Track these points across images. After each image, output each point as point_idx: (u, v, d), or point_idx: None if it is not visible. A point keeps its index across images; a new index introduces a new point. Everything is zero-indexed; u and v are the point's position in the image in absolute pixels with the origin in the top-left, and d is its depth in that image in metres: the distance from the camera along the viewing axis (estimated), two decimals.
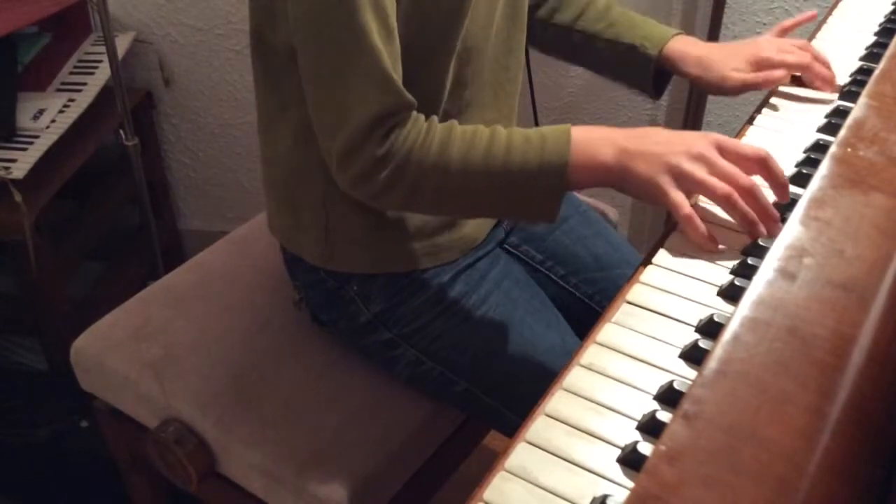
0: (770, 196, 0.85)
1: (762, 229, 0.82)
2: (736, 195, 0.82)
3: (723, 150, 0.84)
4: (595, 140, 0.86)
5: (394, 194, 0.88)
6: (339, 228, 1.01)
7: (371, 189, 0.88)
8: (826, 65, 1.08)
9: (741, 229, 0.84)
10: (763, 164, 0.84)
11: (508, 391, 1.02)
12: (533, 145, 0.86)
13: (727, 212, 0.83)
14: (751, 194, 0.82)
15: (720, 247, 0.83)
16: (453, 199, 0.90)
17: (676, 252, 0.83)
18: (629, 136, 0.86)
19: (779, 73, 1.05)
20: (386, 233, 1.01)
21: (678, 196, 0.83)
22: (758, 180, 0.84)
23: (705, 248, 0.83)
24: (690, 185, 0.83)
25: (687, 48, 1.08)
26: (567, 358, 0.74)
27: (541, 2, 1.16)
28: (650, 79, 1.10)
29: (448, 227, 1.05)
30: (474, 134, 0.88)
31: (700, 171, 0.83)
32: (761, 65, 1.06)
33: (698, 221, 0.82)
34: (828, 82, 1.08)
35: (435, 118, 0.90)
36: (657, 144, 0.85)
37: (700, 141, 0.85)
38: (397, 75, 0.86)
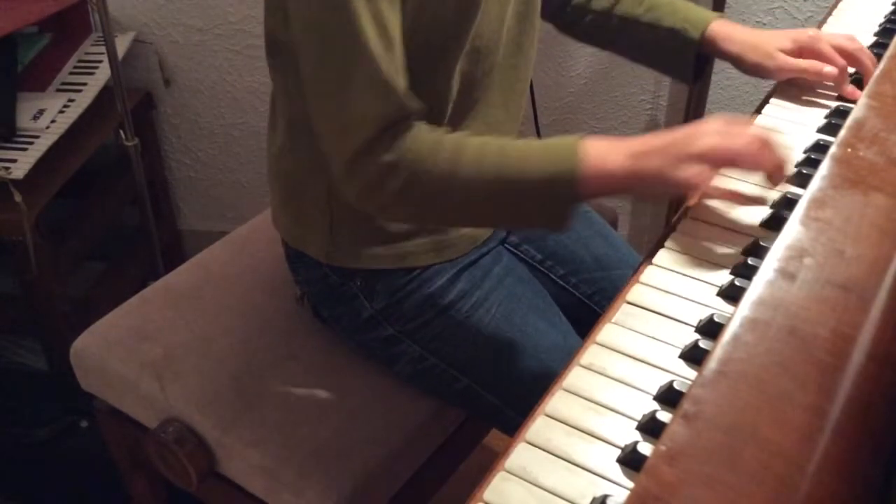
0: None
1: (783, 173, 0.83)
2: (753, 145, 0.82)
3: (730, 126, 0.84)
4: (605, 148, 0.86)
5: (403, 205, 0.88)
6: (344, 224, 1.02)
7: (380, 200, 0.87)
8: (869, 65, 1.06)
9: (765, 179, 0.84)
10: (764, 144, 0.84)
11: (510, 388, 1.02)
12: (544, 155, 0.86)
13: (746, 166, 0.84)
14: (765, 144, 0.82)
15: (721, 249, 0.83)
16: (464, 210, 0.89)
17: (676, 252, 0.83)
18: (642, 142, 0.86)
19: (830, 69, 1.04)
20: (390, 228, 1.02)
21: (688, 170, 0.82)
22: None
23: (736, 202, 0.85)
24: (709, 159, 0.82)
25: (732, 29, 1.08)
26: (569, 356, 0.74)
27: None
28: (692, 62, 1.09)
29: None
30: (485, 144, 0.88)
31: (712, 139, 0.82)
32: (805, 46, 1.05)
33: (714, 186, 0.83)
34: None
35: (445, 129, 0.90)
36: (667, 140, 0.85)
37: (707, 123, 0.85)
38: (400, 83, 0.85)
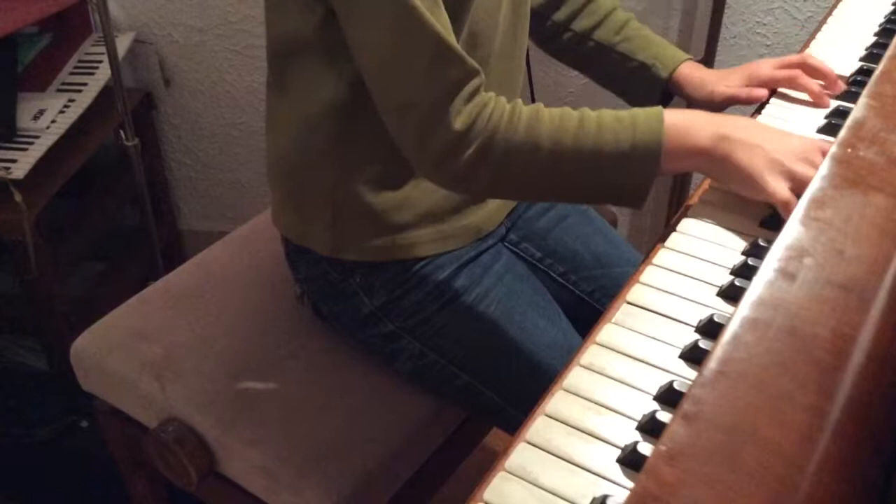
0: None
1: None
2: None
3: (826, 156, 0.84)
4: (692, 123, 0.85)
5: (478, 176, 0.87)
6: (346, 217, 1.02)
7: (455, 170, 0.86)
8: (824, 75, 1.06)
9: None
10: None
11: (510, 385, 1.02)
12: (625, 125, 0.85)
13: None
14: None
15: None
16: (541, 181, 0.88)
17: (676, 252, 0.83)
18: (732, 125, 0.86)
19: (761, 91, 1.06)
20: (393, 219, 1.02)
21: (780, 185, 0.82)
22: None
23: None
24: (797, 184, 0.82)
25: (693, 72, 1.10)
26: (568, 354, 0.74)
27: (559, 3, 1.16)
28: (656, 99, 1.12)
29: (457, 213, 1.05)
30: (563, 115, 0.87)
31: (809, 171, 0.82)
32: (752, 80, 1.08)
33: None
34: (817, 95, 1.04)
35: (520, 101, 0.88)
36: (762, 138, 0.85)
37: (807, 144, 0.85)
38: (454, 42, 0.84)
